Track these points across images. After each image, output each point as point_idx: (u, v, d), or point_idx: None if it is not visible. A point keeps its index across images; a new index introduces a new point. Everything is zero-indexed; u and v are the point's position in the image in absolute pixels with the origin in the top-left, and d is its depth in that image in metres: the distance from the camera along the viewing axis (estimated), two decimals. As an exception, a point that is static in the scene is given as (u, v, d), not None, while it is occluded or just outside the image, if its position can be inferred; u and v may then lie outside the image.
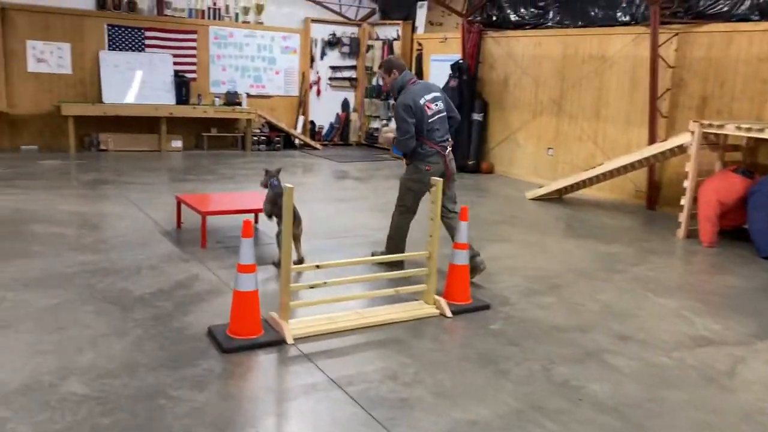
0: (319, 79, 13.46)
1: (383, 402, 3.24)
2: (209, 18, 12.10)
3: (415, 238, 5.67)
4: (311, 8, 13.15)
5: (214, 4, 12.12)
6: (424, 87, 5.35)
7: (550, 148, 10.11)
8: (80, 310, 4.17)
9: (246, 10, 12.41)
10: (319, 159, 11.77)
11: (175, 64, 11.68)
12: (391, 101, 11.64)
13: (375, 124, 13.64)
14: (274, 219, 5.31)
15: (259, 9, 12.50)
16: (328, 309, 4.24)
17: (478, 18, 11.05)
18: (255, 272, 3.79)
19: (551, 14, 10.01)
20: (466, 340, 4.10)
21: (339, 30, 13.46)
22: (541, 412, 3.22)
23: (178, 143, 11.68)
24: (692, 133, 6.92)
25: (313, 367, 3.56)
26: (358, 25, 13.65)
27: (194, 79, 11.97)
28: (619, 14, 9.02)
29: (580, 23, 9.56)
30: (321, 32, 13.29)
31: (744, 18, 7.62)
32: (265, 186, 5.41)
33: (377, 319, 4.21)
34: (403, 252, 5.41)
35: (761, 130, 6.38)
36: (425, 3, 12.43)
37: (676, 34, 8.19)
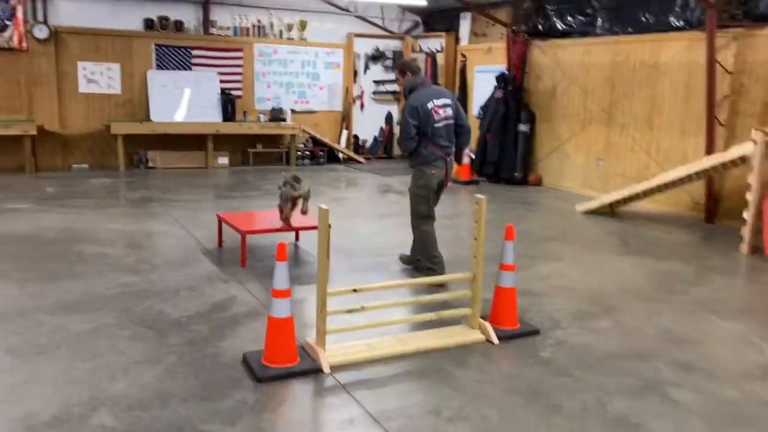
0: (362, 93, 13.39)
1: (424, 439, 3.03)
2: (254, 35, 12.19)
3: (457, 258, 5.46)
4: (354, 23, 13.11)
5: (259, 21, 12.20)
6: (436, 92, 5.38)
7: (600, 159, 9.73)
8: (116, 335, 4.10)
9: (290, 27, 12.46)
10: (362, 173, 11.66)
11: (221, 81, 11.78)
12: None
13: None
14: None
15: (303, 25, 12.53)
16: (367, 334, 4.06)
17: (524, 27, 10.79)
18: (290, 297, 3.65)
19: (600, 21, 9.67)
20: (514, 370, 3.85)
21: (382, 44, 13.37)
22: (596, 453, 2.95)
23: (224, 160, 11.76)
24: (755, 142, 6.50)
25: (351, 400, 3.38)
26: (401, 38, 13.54)
27: (240, 96, 12.05)
28: (672, 19, 8.62)
29: (630, 30, 9.19)
30: (364, 47, 13.23)
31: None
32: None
33: (418, 346, 4.00)
34: (439, 257, 5.39)
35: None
36: (469, 14, 12.22)
37: (735, 38, 7.76)
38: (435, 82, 12.81)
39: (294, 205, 5.96)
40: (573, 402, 3.43)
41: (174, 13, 11.46)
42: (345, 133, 13.15)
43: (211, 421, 3.11)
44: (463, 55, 12.26)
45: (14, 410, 3.15)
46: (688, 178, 7.62)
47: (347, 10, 12.89)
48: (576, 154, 10.16)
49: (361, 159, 12.94)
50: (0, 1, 9.98)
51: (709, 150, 7.77)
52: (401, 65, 5.56)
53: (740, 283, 5.89)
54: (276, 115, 12.13)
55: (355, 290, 3.99)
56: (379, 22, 13.34)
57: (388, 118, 13.65)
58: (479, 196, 4.16)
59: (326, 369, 3.65)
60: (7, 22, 10.11)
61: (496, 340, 4.16)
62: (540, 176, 10.75)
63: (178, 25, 11.49)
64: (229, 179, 10.63)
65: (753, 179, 6.52)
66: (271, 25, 12.31)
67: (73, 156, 10.99)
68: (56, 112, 10.68)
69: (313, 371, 3.65)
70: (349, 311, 3.92)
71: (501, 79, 10.61)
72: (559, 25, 10.31)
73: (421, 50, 13.29)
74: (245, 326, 4.33)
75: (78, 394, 3.32)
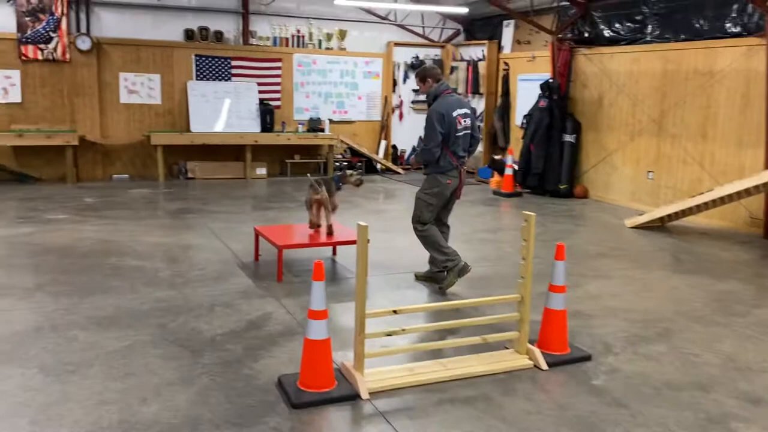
0: (401, 102, 13.22)
1: (469, 477, 2.81)
2: (293, 46, 12.15)
3: (501, 275, 5.21)
4: (394, 32, 12.97)
5: (298, 31, 12.16)
6: (457, 101, 5.34)
7: (650, 172, 9.34)
8: (149, 354, 3.98)
9: (329, 37, 12.39)
10: (400, 184, 11.46)
11: (260, 92, 11.76)
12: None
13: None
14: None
15: (342, 35, 12.44)
16: (407, 358, 3.85)
17: (569, 35, 10.48)
18: (327, 318, 3.47)
19: (650, 28, 9.31)
20: (564, 400, 3.59)
21: (422, 52, 13.19)
22: (661, 499, 2.68)
23: (262, 170, 11.72)
24: (821, 154, 6.09)
25: (390, 429, 3.17)
26: (442, 47, 13.34)
27: (278, 107, 12.01)
28: (728, 25, 8.22)
29: (682, 37, 8.81)
30: (404, 56, 13.07)
31: None
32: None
33: (462, 371, 3.77)
34: (450, 248, 5.34)
35: None
36: (512, 21, 11.95)
37: (797, 44, 7.35)
38: (477, 90, 12.58)
39: (319, 208, 5.82)
40: (631, 438, 3.16)
41: (214, 24, 11.50)
42: (383, 143, 12.99)
43: (243, 451, 2.95)
44: (506, 64, 12.00)
45: (42, 434, 3.04)
46: (746, 192, 7.21)
47: (387, 19, 12.76)
48: (624, 166, 9.78)
49: (399, 170, 12.76)
50: (46, 14, 10.14)
51: (769, 162, 7.36)
52: (421, 73, 5.45)
53: (806, 305, 5.49)
54: (314, 126, 12.05)
55: (395, 311, 3.78)
56: (420, 31, 13.17)
57: (428, 128, 13.43)
58: (528, 213, 3.92)
59: (364, 395, 3.45)
60: (52, 34, 10.26)
61: (545, 366, 3.91)
62: (586, 188, 10.39)
63: (218, 36, 11.52)
64: (266, 190, 10.56)
65: (819, 194, 6.12)
66: (310, 35, 12.26)
67: (113, 166, 11.09)
68: (98, 123, 10.79)
69: (351, 397, 3.46)
70: (389, 334, 3.72)
71: (546, 87, 10.32)
72: (607, 32, 9.97)
73: (462, 59, 13.07)
74: (281, 346, 4.17)
75: (108, 417, 3.19)
